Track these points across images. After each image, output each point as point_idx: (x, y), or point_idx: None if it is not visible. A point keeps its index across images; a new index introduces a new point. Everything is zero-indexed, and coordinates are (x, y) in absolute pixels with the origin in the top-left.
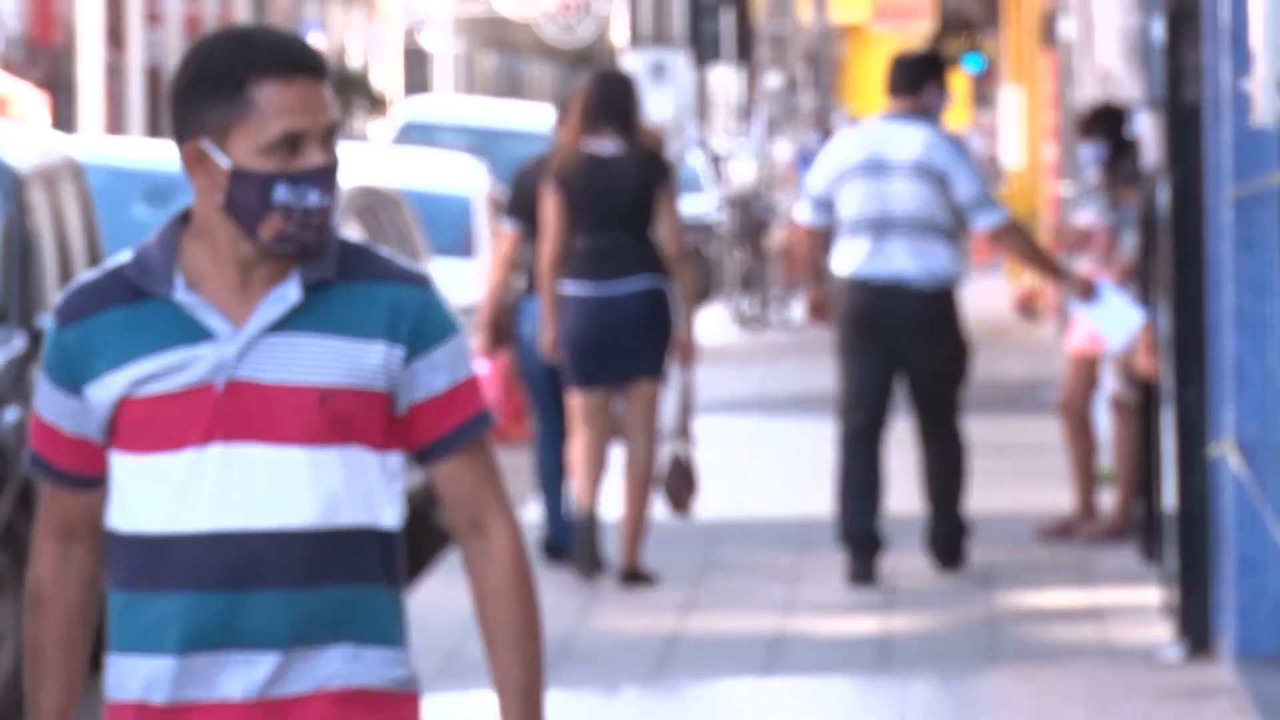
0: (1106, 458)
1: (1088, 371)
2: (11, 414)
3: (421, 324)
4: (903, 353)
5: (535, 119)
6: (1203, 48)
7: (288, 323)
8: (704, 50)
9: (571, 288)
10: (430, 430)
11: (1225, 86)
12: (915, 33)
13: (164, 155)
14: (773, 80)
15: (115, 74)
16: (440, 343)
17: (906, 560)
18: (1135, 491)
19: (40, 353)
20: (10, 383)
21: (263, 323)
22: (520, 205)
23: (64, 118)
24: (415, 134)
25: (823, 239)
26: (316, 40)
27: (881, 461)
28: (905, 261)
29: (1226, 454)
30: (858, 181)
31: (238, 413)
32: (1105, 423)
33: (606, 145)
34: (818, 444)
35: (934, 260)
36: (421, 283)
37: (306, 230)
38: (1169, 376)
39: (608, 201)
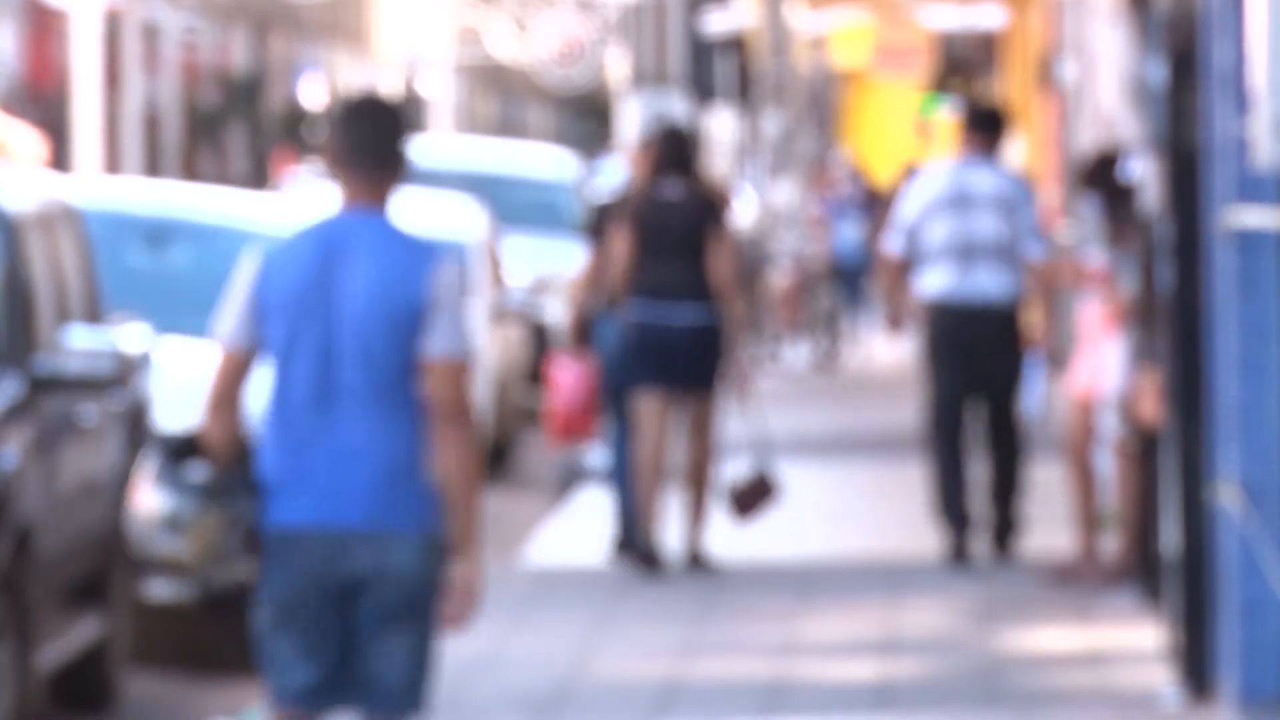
0: (1108, 500)
1: (1089, 415)
2: (9, 459)
3: None
4: (982, 365)
5: (538, 162)
6: (1203, 91)
7: None
8: (703, 93)
9: (637, 306)
10: None
11: (1225, 129)
12: (914, 77)
13: (162, 199)
14: (772, 123)
15: (112, 117)
16: None
17: (907, 604)
18: (1139, 535)
19: (37, 397)
20: (7, 428)
21: None
22: (599, 233)
23: (61, 160)
24: (417, 177)
25: (906, 265)
26: (314, 82)
27: (966, 456)
28: (988, 285)
29: (1228, 496)
30: (944, 213)
31: None
32: (1106, 465)
33: (671, 189)
34: (818, 488)
35: (1011, 283)
36: None
37: None
38: (1170, 419)
39: (668, 237)
